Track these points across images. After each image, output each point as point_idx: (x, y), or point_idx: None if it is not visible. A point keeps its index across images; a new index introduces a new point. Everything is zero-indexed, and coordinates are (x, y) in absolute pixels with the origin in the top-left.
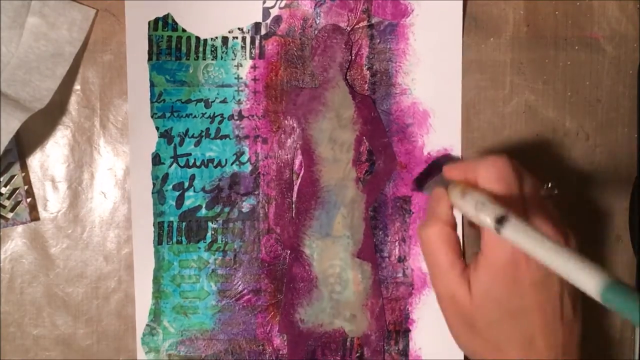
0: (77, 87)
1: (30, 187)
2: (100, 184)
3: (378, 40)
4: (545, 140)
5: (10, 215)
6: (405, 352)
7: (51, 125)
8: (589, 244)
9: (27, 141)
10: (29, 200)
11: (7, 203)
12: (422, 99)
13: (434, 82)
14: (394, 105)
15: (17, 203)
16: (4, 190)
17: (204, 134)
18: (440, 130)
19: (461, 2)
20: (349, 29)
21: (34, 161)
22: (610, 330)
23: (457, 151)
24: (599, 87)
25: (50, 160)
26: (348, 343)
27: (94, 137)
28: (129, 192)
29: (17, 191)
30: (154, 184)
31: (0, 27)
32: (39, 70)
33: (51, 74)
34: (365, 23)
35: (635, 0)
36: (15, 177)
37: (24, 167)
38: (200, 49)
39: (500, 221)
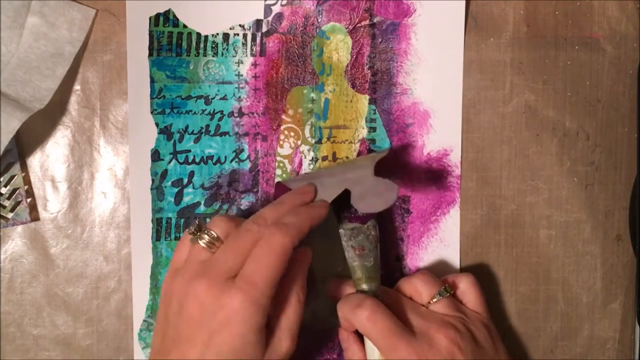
0: (77, 87)
1: (30, 187)
2: (100, 184)
3: (380, 40)
4: (545, 140)
5: (10, 215)
6: None
7: (51, 125)
8: (589, 243)
9: (27, 141)
10: (29, 200)
11: (7, 203)
12: (422, 99)
13: (435, 83)
14: (394, 105)
15: (17, 203)
16: (4, 190)
17: (203, 130)
18: (441, 131)
19: (463, 2)
20: (350, 27)
21: (34, 161)
22: (610, 330)
23: (457, 151)
24: (599, 87)
25: (50, 160)
26: None
27: (94, 137)
28: (129, 191)
29: (17, 191)
30: (152, 180)
31: (0, 27)
32: (39, 70)
33: (51, 74)
34: (367, 22)
35: (635, 0)
36: (15, 177)
37: (24, 167)
38: (201, 45)
39: None
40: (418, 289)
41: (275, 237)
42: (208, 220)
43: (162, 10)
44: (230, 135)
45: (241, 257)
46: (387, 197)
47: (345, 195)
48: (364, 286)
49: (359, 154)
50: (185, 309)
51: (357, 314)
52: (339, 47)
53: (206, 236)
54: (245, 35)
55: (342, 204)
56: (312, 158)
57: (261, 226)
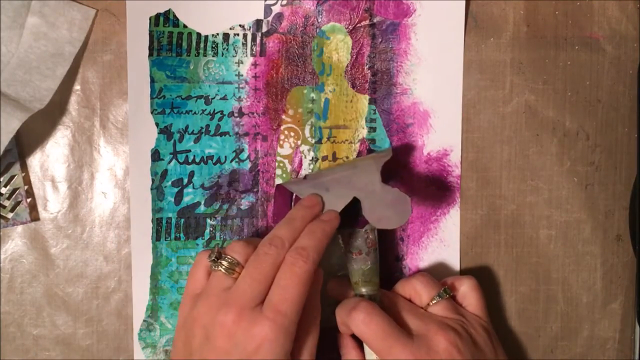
0: (77, 87)
1: (30, 187)
2: (100, 184)
3: (380, 40)
4: (545, 140)
5: (10, 215)
6: None
7: (51, 125)
8: (589, 243)
9: (27, 141)
10: (29, 200)
11: (7, 203)
12: (422, 99)
13: (435, 83)
14: (394, 105)
15: (17, 203)
16: (4, 190)
17: (203, 130)
18: (441, 131)
19: (463, 2)
20: (350, 27)
21: (34, 161)
22: (610, 330)
23: (457, 151)
24: (599, 87)
25: (50, 160)
26: None
27: (94, 137)
28: (129, 191)
29: (17, 191)
30: (153, 180)
31: (0, 27)
32: (39, 70)
33: (51, 74)
34: (367, 22)
35: (635, 0)
36: (15, 177)
37: (24, 167)
38: (201, 45)
39: None
40: (417, 290)
41: (299, 264)
42: (208, 220)
43: (162, 10)
44: (230, 135)
45: (265, 283)
46: (400, 210)
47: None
48: (362, 290)
49: (359, 154)
50: (213, 339)
51: (353, 317)
52: (339, 47)
53: (226, 262)
54: (245, 35)
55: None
56: (312, 158)
57: (279, 248)
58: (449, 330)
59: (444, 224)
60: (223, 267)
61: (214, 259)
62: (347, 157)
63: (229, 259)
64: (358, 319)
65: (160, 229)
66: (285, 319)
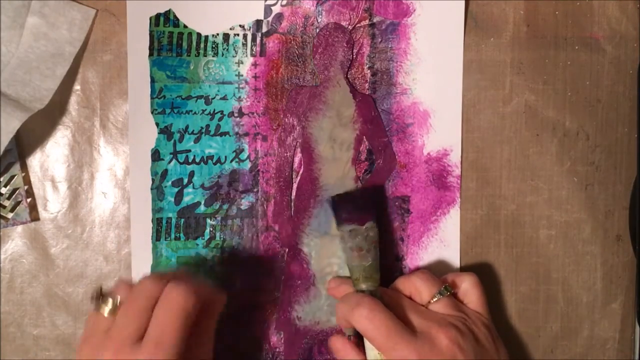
0: (77, 87)
1: (30, 187)
2: (100, 184)
3: (379, 40)
4: (545, 140)
5: (10, 215)
6: None
7: (51, 125)
8: (589, 243)
9: (27, 141)
10: (29, 200)
11: (7, 203)
12: (422, 99)
13: (435, 82)
14: (394, 105)
15: (17, 203)
16: (4, 190)
17: (203, 130)
18: (441, 131)
19: (463, 2)
20: (350, 27)
21: (34, 161)
22: (610, 330)
23: (457, 151)
24: (599, 87)
25: (50, 160)
26: None
27: (94, 137)
28: (129, 191)
29: (17, 191)
30: (153, 180)
31: (0, 27)
32: (39, 70)
33: (51, 74)
34: (366, 22)
35: (635, 0)
36: (15, 177)
37: (24, 167)
38: (201, 45)
39: None
40: (418, 288)
41: (172, 296)
42: (208, 220)
43: (162, 11)
44: (230, 135)
45: (141, 318)
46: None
47: (344, 197)
48: (363, 286)
49: None
50: None
51: (356, 313)
52: None
53: (109, 302)
54: (245, 36)
55: (341, 206)
56: None
57: (155, 281)
58: (450, 328)
59: (444, 224)
60: (105, 308)
61: (96, 298)
62: None
63: (113, 298)
64: (361, 315)
65: (160, 229)
66: (165, 353)
